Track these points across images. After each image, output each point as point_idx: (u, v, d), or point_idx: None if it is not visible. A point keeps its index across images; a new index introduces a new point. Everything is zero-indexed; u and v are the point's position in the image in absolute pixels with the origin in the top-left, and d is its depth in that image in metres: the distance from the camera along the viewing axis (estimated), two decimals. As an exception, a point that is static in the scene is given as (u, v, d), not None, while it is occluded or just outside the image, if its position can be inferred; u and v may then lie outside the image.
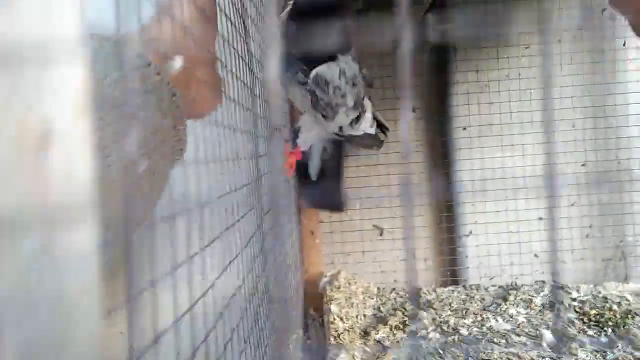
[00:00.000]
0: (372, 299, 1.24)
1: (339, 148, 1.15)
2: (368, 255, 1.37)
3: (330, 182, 1.11)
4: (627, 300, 1.15)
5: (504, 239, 1.35)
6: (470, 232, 1.36)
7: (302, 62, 0.92)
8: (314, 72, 0.90)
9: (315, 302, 1.26)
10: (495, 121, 1.33)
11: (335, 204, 1.15)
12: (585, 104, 1.32)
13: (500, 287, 1.28)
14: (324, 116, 0.95)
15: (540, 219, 1.35)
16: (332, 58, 0.92)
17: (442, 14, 1.29)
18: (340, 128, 0.99)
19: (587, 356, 0.96)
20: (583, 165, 1.34)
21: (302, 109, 1.02)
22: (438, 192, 1.36)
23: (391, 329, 1.10)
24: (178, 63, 0.31)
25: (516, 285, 1.27)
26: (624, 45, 1.27)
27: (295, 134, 1.05)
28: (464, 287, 1.29)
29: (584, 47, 1.32)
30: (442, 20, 1.30)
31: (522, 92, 1.32)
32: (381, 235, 1.39)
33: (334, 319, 1.11)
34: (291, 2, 1.01)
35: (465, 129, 1.35)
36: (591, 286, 1.25)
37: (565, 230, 1.34)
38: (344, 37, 0.91)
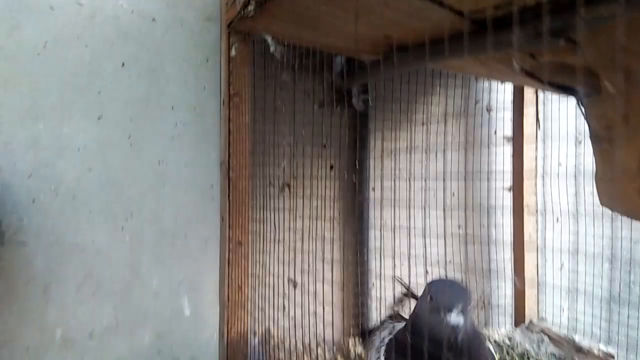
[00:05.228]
0: None
1: None
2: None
3: None
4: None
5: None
6: (373, 284, 1.47)
7: None
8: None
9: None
10: (402, 185, 1.49)
11: None
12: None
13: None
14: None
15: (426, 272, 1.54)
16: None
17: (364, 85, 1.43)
18: None
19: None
20: (459, 227, 1.59)
21: None
22: (348, 249, 1.44)
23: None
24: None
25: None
26: (495, 133, 1.58)
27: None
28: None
29: (464, 130, 1.60)
30: (364, 91, 1.43)
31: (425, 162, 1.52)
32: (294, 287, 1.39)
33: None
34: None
35: (374, 189, 1.47)
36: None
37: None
38: None
